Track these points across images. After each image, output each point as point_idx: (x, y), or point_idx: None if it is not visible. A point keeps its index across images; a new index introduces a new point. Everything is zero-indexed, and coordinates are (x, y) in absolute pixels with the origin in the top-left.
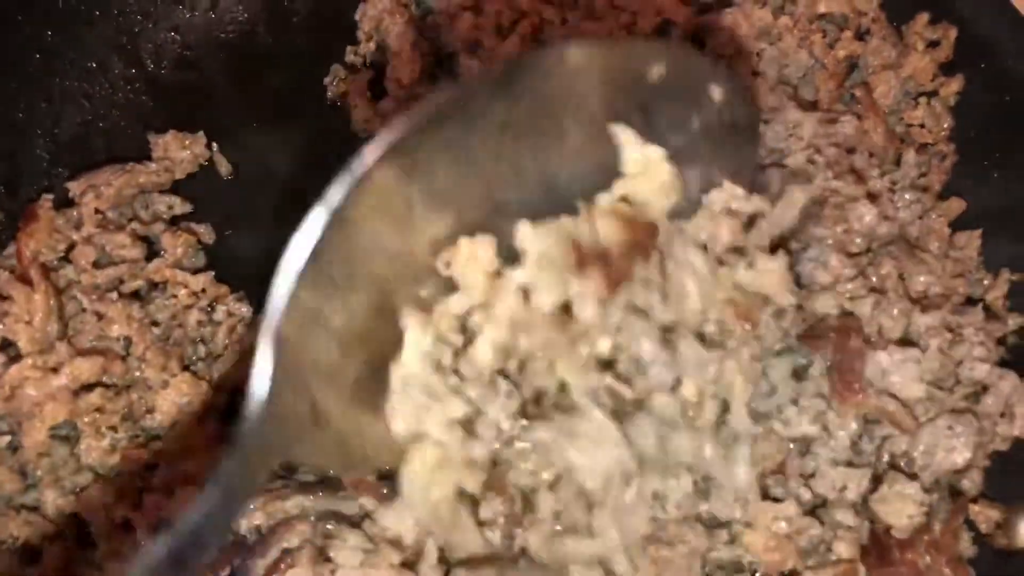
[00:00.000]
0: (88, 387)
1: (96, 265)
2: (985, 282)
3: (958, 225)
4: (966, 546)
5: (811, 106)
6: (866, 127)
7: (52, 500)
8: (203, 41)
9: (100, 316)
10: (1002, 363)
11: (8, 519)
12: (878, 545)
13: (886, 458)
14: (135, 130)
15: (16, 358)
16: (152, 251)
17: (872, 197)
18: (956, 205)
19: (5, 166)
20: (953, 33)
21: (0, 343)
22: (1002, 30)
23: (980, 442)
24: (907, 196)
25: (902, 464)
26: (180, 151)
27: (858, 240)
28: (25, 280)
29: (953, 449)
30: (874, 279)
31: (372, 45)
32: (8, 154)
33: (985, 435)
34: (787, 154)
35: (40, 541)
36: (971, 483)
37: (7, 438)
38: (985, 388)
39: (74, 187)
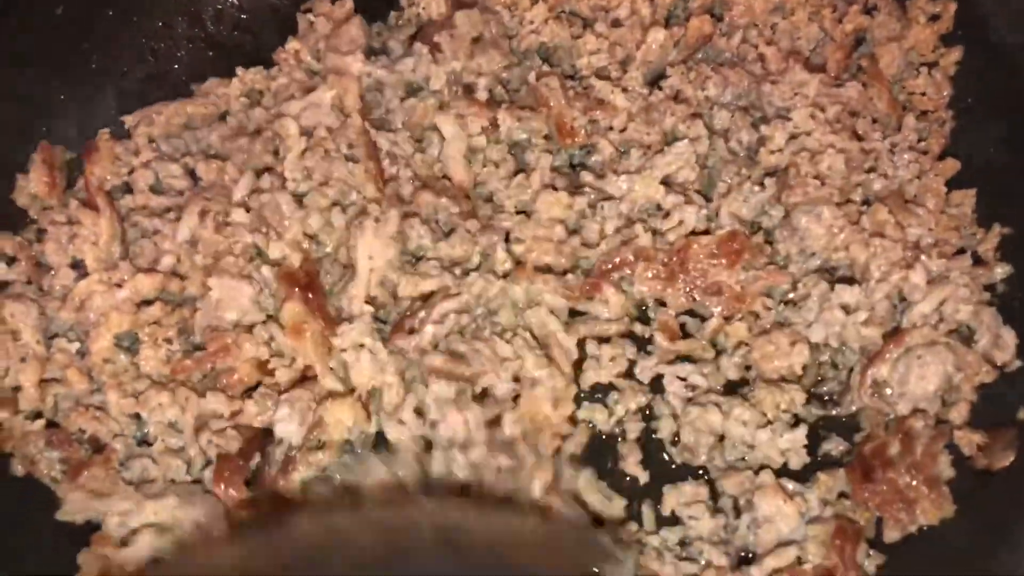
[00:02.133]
0: (148, 302)
1: (152, 190)
2: (977, 236)
3: (955, 184)
4: (945, 468)
5: (819, 69)
6: (871, 95)
7: (115, 401)
8: (258, 6)
9: (156, 233)
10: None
11: (79, 415)
12: (863, 463)
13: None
14: (195, 83)
15: (84, 275)
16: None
17: (866, 153)
18: (951, 165)
19: (80, 112)
20: (953, 7)
21: (71, 262)
22: (997, 4)
23: (966, 376)
24: (906, 156)
25: (884, 391)
26: (223, 88)
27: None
28: (92, 206)
29: (923, 377)
30: (870, 225)
31: None
32: (83, 101)
33: (970, 369)
34: (791, 112)
35: (106, 435)
36: (958, 414)
37: (76, 344)
38: (970, 329)
39: (129, 119)
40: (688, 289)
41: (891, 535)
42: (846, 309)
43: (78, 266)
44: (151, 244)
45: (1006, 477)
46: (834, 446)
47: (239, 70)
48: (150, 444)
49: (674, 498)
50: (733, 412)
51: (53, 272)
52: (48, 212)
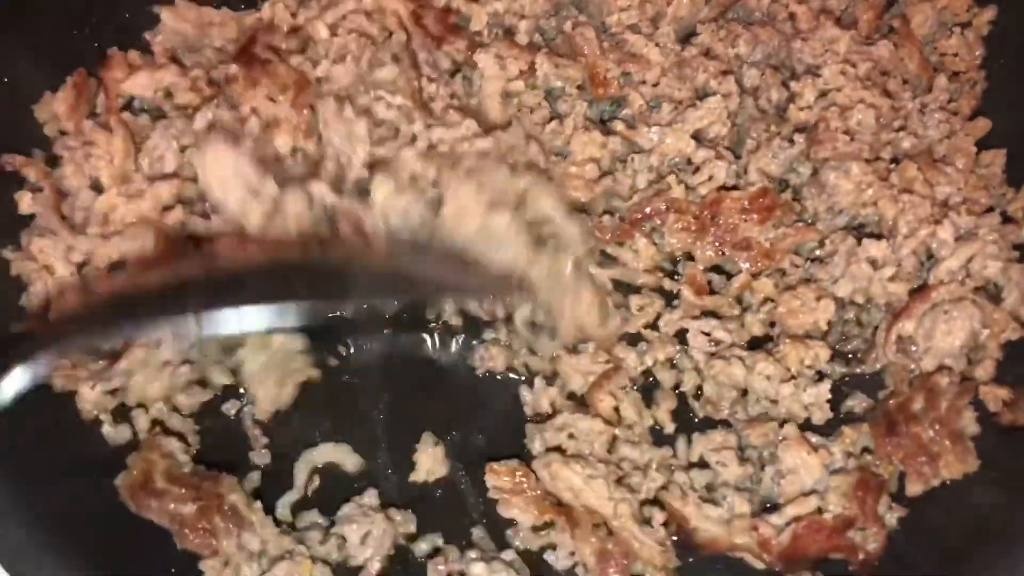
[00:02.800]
0: (169, 208)
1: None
2: (1007, 195)
3: (986, 145)
4: (969, 424)
5: (851, 28)
6: (902, 55)
7: None
8: None
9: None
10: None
11: None
12: (888, 418)
13: None
14: None
15: (101, 192)
16: None
17: (896, 110)
18: (982, 125)
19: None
20: None
21: (91, 183)
22: None
23: (992, 333)
24: (936, 116)
25: (909, 347)
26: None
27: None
28: (106, 127)
29: (950, 333)
30: (898, 182)
31: None
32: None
33: (997, 326)
34: (820, 69)
35: None
36: (984, 371)
37: None
38: (997, 286)
39: (149, 34)
40: (717, 243)
41: (913, 488)
42: (873, 264)
43: (98, 188)
44: (166, 143)
45: None
46: (858, 403)
47: None
48: None
49: (703, 444)
50: (756, 367)
51: (73, 197)
52: (64, 139)
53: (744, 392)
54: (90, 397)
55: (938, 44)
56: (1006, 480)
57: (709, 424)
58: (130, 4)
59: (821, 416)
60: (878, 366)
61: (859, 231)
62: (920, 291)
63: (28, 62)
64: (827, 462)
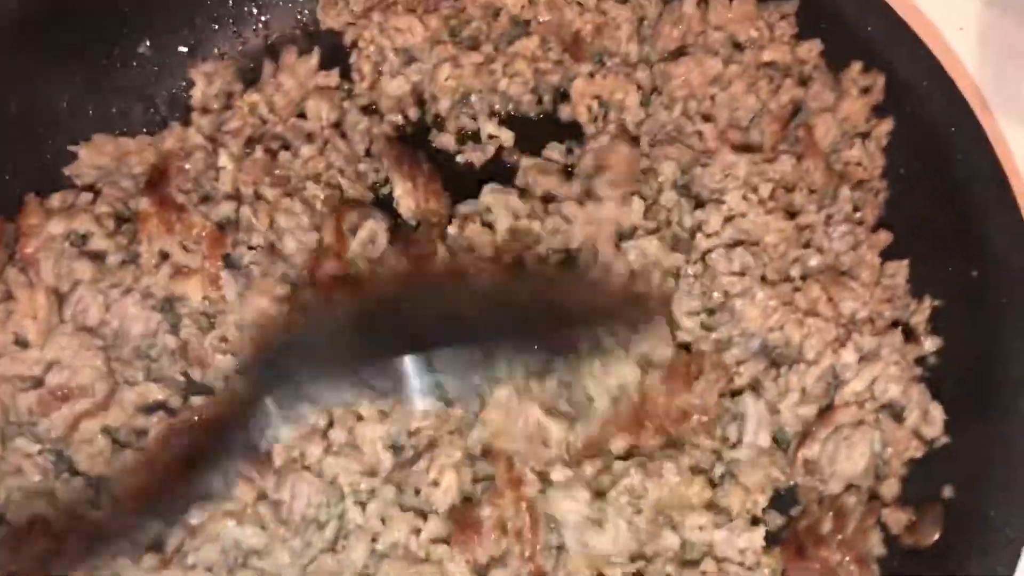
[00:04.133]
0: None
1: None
2: (911, 307)
3: (890, 255)
4: (876, 545)
5: (746, 149)
6: (806, 166)
7: None
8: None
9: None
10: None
11: None
12: (796, 541)
13: None
14: None
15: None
16: None
17: (801, 229)
18: (884, 237)
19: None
20: (882, 79)
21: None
22: (921, 76)
23: (895, 452)
24: (841, 228)
25: (816, 470)
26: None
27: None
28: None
29: (851, 458)
30: (803, 304)
31: None
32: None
33: (900, 445)
34: (724, 194)
35: None
36: (888, 489)
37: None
38: (901, 405)
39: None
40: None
41: None
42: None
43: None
44: (91, 296)
45: (933, 553)
46: (771, 519)
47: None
48: None
49: None
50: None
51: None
52: None
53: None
54: None
55: (842, 153)
56: None
57: None
58: (50, 146)
59: (753, 558)
60: (790, 482)
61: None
62: (822, 415)
63: None
64: None
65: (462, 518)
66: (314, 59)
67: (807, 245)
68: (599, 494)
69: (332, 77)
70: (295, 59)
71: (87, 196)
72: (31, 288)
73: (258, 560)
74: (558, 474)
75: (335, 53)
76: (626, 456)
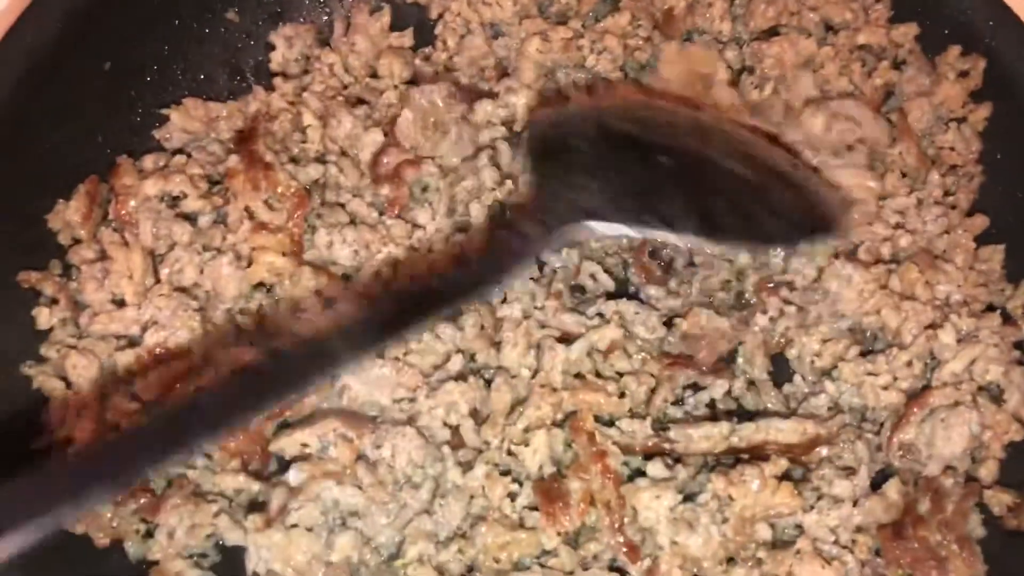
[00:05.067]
0: None
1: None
2: (1006, 292)
3: (984, 240)
4: (975, 527)
5: None
6: (899, 149)
7: None
8: None
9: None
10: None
11: None
12: (894, 522)
13: None
14: None
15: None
16: None
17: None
18: (980, 222)
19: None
20: (982, 64)
21: (111, 296)
22: None
23: (995, 434)
24: (933, 211)
25: (913, 453)
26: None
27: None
28: (122, 239)
29: (949, 439)
30: (899, 287)
31: None
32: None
33: (999, 428)
34: None
35: None
36: (987, 472)
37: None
38: (999, 387)
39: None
40: None
41: None
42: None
43: (119, 303)
44: (188, 257)
45: None
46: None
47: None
48: None
49: None
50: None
51: (92, 310)
52: (78, 248)
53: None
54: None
55: (935, 138)
56: None
57: None
58: (140, 110)
59: (847, 536)
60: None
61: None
62: (917, 397)
63: (41, 171)
64: (841, 573)
65: (549, 490)
66: (385, 18)
67: (899, 227)
68: (688, 497)
69: (405, 38)
70: (366, 19)
71: (180, 158)
72: (126, 248)
73: (357, 520)
74: (654, 469)
75: (421, 26)
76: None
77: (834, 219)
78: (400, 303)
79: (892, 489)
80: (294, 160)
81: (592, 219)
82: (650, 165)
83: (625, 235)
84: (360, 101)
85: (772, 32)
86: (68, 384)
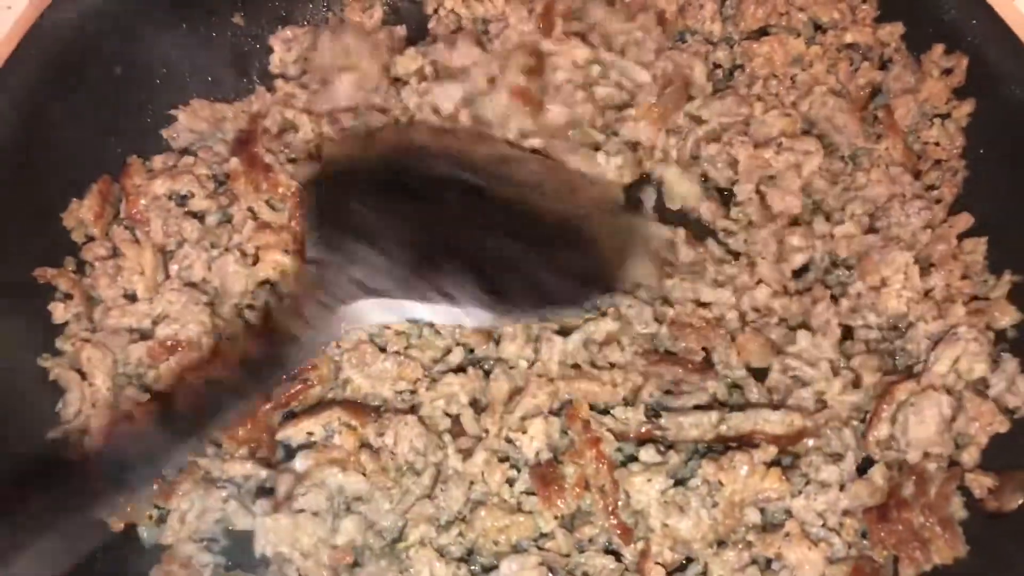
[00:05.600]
0: None
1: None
2: (989, 283)
3: (968, 232)
4: (958, 509)
5: None
6: (886, 145)
7: None
8: None
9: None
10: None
11: None
12: (879, 505)
13: None
14: None
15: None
16: None
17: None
18: (965, 219)
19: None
20: (965, 62)
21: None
22: (1008, 59)
23: (980, 425)
24: (916, 205)
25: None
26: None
27: None
28: (133, 236)
29: (922, 422)
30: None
31: None
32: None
33: (984, 418)
34: None
35: None
36: (969, 456)
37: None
38: (984, 380)
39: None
40: None
41: (907, 574)
42: None
43: (131, 298)
44: (196, 254)
45: (1016, 518)
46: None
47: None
48: None
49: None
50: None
51: (105, 305)
52: (91, 245)
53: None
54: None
55: (921, 134)
56: (992, 564)
57: None
58: (149, 111)
59: (834, 520)
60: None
61: None
62: (883, 396)
63: (55, 171)
64: (828, 554)
65: (545, 475)
66: (377, 13)
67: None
68: (679, 482)
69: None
70: (359, 16)
71: (188, 159)
72: (137, 245)
73: (361, 505)
74: (646, 454)
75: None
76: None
77: (621, 274)
78: (177, 417)
79: (877, 474)
80: (292, 161)
81: (374, 296)
82: (437, 231)
83: (410, 317)
84: None
85: (762, 32)
86: (83, 376)
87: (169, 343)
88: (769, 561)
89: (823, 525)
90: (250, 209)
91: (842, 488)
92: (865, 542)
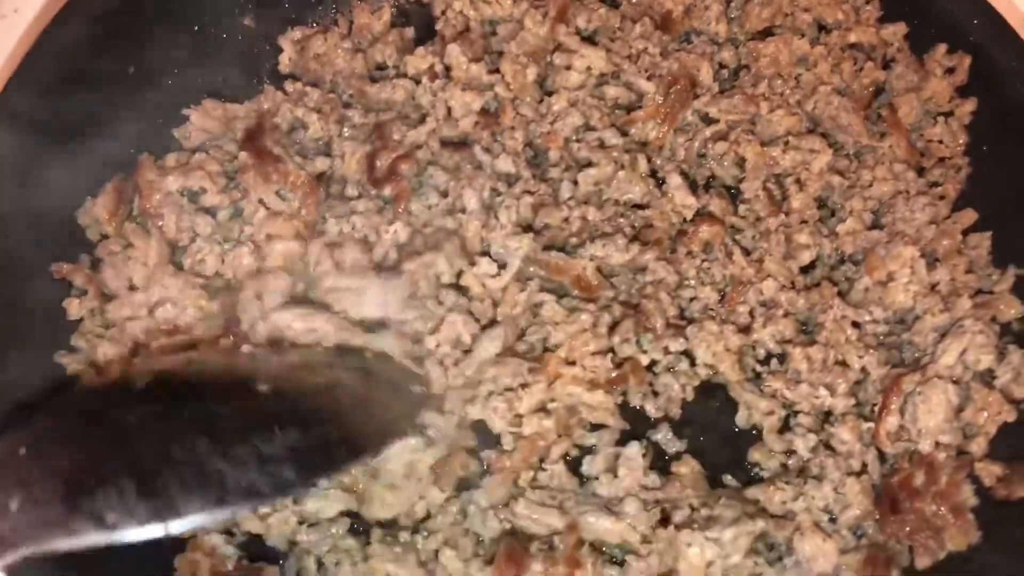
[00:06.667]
0: None
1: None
2: (993, 277)
3: (972, 227)
4: (969, 497)
5: None
6: (890, 143)
7: None
8: None
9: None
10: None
11: None
12: (891, 496)
13: None
14: None
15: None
16: None
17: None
18: (968, 216)
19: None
20: (967, 61)
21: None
22: (1009, 58)
23: (989, 415)
24: (920, 201)
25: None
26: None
27: None
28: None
29: (929, 411)
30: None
31: None
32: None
33: (991, 408)
34: None
35: None
36: (978, 446)
37: None
38: (991, 371)
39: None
40: None
41: (922, 562)
42: None
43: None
44: (209, 248)
45: None
46: None
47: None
48: None
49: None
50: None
51: (117, 299)
52: (106, 243)
53: None
54: None
55: (924, 132)
56: (1006, 550)
57: None
58: (161, 111)
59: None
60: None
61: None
62: (890, 388)
63: (70, 170)
64: (841, 545)
65: (512, 552)
66: (385, 16)
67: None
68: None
69: (407, 33)
70: (368, 17)
71: (200, 155)
72: (147, 236)
73: None
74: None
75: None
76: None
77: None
78: None
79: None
80: (301, 155)
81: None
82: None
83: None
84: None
85: (767, 32)
86: (99, 372)
87: (167, 326)
88: (780, 557)
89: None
90: (260, 201)
91: (843, 486)
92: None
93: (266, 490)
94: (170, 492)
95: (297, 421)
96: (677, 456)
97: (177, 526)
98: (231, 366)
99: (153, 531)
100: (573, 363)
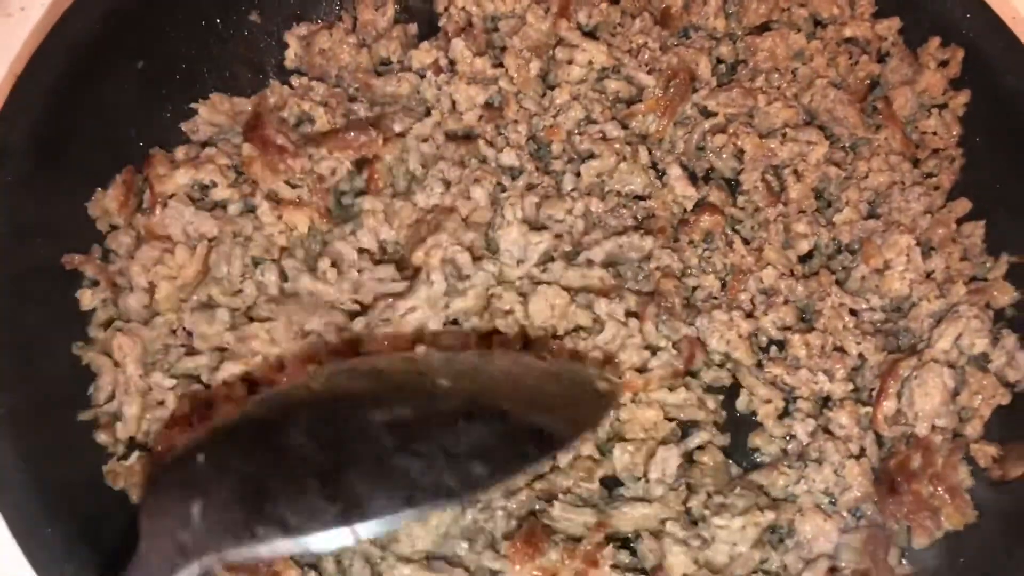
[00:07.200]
0: None
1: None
2: (987, 264)
3: (966, 216)
4: (965, 478)
5: None
6: (885, 135)
7: None
8: None
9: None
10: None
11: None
12: (888, 478)
13: None
14: None
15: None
16: None
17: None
18: (963, 205)
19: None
20: (960, 54)
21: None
22: (1001, 50)
23: (984, 398)
24: (916, 191)
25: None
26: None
27: None
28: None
29: (926, 394)
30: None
31: None
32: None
33: (985, 392)
34: None
35: None
36: (973, 429)
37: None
38: (985, 355)
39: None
40: None
41: (920, 542)
42: None
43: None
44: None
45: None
46: None
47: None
48: None
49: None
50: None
51: (132, 292)
52: (115, 234)
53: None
54: None
55: (919, 124)
56: (1002, 528)
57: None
58: (169, 106)
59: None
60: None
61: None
62: (887, 373)
63: (80, 162)
64: (841, 525)
65: (532, 534)
66: (389, 11)
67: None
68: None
69: (411, 28)
70: (372, 13)
71: (210, 149)
72: (184, 248)
73: None
74: None
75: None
76: None
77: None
78: None
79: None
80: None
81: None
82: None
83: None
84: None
85: (764, 27)
86: (116, 364)
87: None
88: (781, 539)
89: (832, 502)
90: (269, 196)
91: (843, 468)
92: (877, 517)
93: (456, 487)
94: (355, 491)
95: (481, 416)
96: (700, 447)
97: (365, 530)
98: (407, 363)
99: (341, 537)
100: (640, 370)
